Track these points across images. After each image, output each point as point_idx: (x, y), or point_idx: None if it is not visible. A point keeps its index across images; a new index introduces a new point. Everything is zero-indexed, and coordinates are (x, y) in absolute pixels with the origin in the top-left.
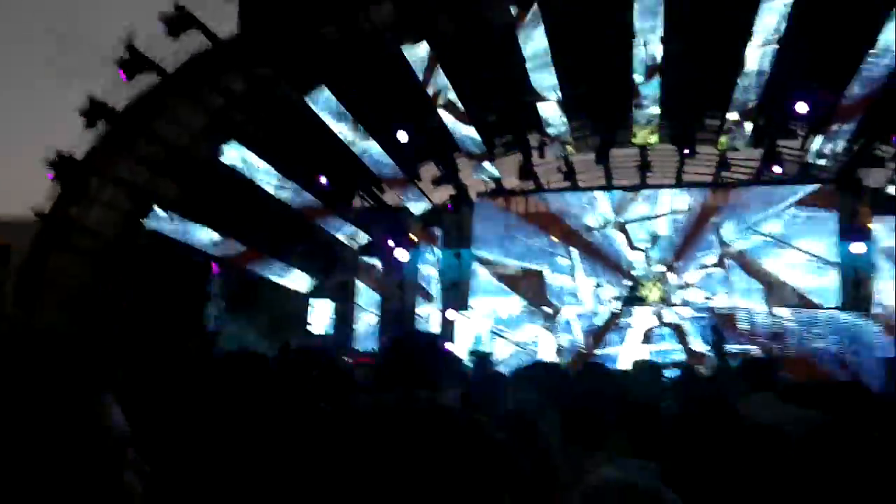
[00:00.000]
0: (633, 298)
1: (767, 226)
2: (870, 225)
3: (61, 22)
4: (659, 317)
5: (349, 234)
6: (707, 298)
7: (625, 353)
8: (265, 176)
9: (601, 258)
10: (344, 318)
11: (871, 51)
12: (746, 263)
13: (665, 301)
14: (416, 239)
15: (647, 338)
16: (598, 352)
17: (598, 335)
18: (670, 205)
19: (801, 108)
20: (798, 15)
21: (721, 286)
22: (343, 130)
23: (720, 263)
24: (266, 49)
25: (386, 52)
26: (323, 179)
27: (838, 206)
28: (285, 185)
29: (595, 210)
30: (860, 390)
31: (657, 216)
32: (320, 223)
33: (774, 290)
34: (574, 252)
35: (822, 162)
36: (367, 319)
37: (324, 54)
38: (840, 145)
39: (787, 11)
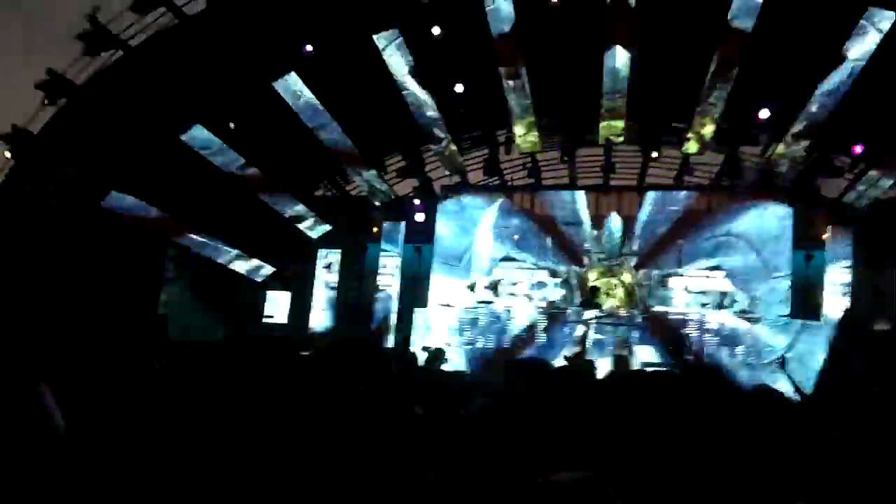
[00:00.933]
0: (591, 302)
1: (724, 231)
2: (824, 235)
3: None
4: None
5: (309, 224)
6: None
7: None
8: (226, 159)
9: (564, 257)
10: (300, 309)
11: (834, 64)
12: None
13: (626, 305)
14: (377, 231)
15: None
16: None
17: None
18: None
19: (763, 114)
20: (764, 25)
21: (677, 292)
22: (309, 117)
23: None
24: (234, 29)
25: (356, 39)
26: (286, 166)
27: (794, 214)
28: (247, 170)
29: (564, 209)
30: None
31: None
32: (281, 211)
33: (726, 297)
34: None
35: (781, 170)
36: (322, 311)
37: (293, 39)
38: (799, 154)
39: (753, 22)
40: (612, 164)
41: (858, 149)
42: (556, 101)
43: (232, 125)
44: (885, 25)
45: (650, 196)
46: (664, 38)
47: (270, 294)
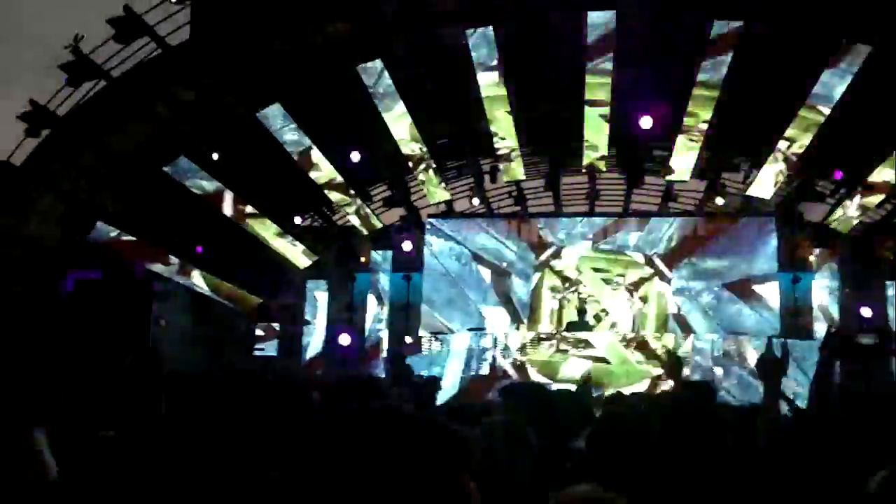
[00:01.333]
0: (582, 325)
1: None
2: (809, 257)
3: (4, 22)
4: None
5: (295, 255)
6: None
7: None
8: (210, 190)
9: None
10: (289, 340)
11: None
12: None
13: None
14: (365, 260)
15: None
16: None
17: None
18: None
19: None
20: (744, 52)
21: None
22: (293, 148)
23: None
24: (217, 60)
25: (339, 69)
26: (272, 198)
27: (778, 238)
28: (233, 201)
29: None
30: None
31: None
32: (267, 242)
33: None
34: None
35: (764, 196)
36: (315, 343)
37: (276, 68)
38: (781, 180)
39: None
40: (596, 191)
41: (839, 174)
42: (540, 130)
43: (216, 156)
44: (859, 60)
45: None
46: (646, 64)
47: (259, 326)
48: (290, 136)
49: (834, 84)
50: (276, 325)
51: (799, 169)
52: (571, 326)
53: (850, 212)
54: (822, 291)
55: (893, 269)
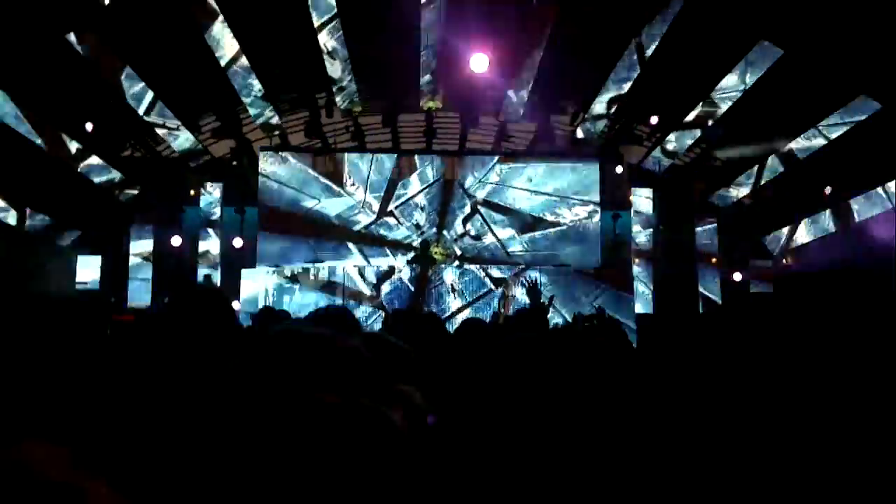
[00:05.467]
0: (424, 258)
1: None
2: (629, 196)
3: None
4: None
5: (120, 186)
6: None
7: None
8: (17, 120)
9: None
10: (113, 274)
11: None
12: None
13: (449, 258)
14: (194, 193)
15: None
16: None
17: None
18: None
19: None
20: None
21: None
22: (114, 74)
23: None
24: None
25: None
26: (89, 126)
27: (600, 179)
28: (43, 129)
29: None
30: None
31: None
32: (86, 173)
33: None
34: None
35: (589, 137)
36: (140, 276)
37: None
38: (603, 123)
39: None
40: (433, 129)
41: (654, 119)
42: (376, 67)
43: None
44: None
45: (469, 160)
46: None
47: (82, 259)
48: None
49: (654, 33)
50: (98, 259)
51: (620, 112)
52: (414, 260)
53: (664, 154)
54: (639, 228)
55: (701, 207)
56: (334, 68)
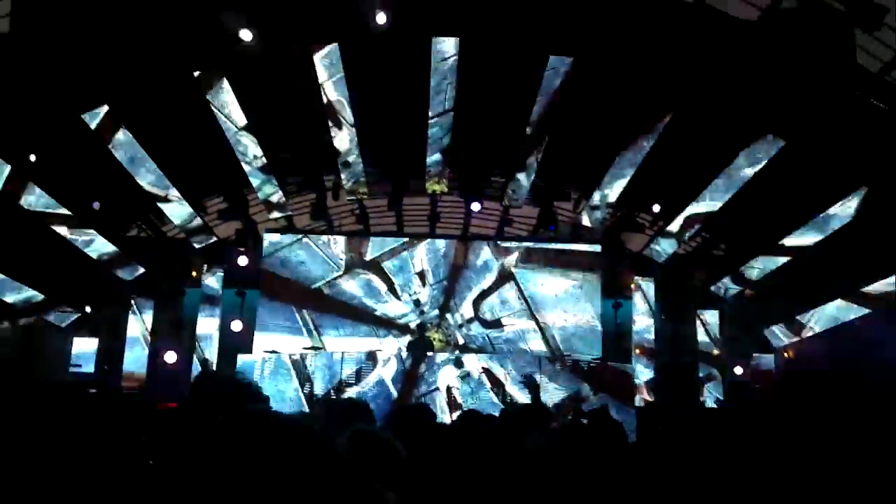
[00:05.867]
0: (420, 344)
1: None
2: (631, 285)
3: None
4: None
5: (121, 267)
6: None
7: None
8: (29, 196)
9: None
10: (110, 357)
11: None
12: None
13: (448, 343)
14: (196, 275)
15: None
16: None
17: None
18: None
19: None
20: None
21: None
22: (122, 154)
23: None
24: (40, 54)
25: (176, 75)
26: (96, 205)
27: (603, 267)
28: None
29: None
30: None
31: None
32: (88, 253)
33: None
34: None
35: (591, 225)
36: (136, 359)
37: (107, 69)
38: (605, 211)
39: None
40: (436, 213)
41: (657, 207)
42: (383, 150)
43: (33, 157)
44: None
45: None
46: (483, 96)
47: (78, 342)
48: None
49: (656, 124)
50: (95, 340)
51: (622, 201)
52: (412, 346)
53: (666, 243)
54: (641, 317)
55: (703, 297)
56: (343, 149)
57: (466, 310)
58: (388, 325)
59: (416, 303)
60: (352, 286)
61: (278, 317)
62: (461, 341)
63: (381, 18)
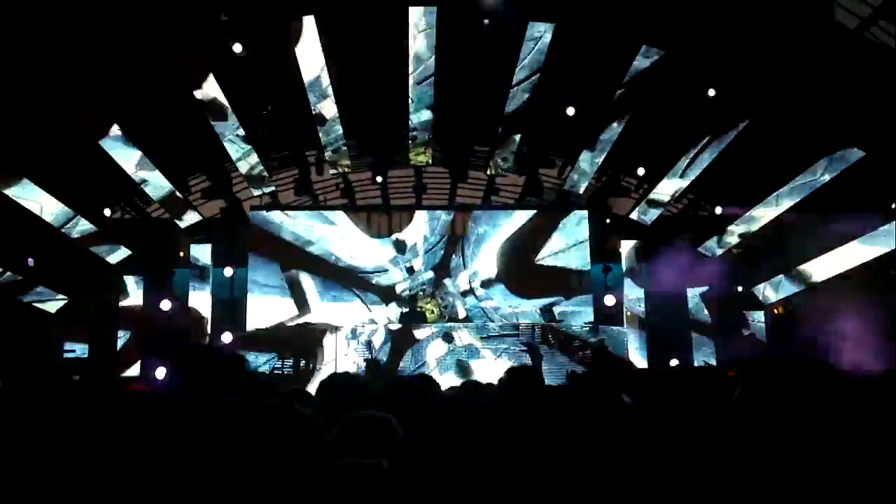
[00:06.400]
0: (413, 314)
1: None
2: (618, 248)
3: None
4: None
5: (107, 250)
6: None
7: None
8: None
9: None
10: (104, 341)
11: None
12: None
13: (441, 314)
14: (183, 255)
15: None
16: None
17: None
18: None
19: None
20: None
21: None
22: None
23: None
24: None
25: (157, 54)
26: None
27: (589, 231)
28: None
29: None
30: None
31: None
32: (73, 236)
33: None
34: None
35: (577, 190)
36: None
37: (81, 50)
38: (591, 176)
39: (542, 57)
40: (423, 184)
41: (641, 170)
42: (365, 123)
43: None
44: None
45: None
46: (465, 67)
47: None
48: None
49: (639, 85)
50: (86, 325)
51: (607, 165)
52: (404, 317)
53: (652, 206)
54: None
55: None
56: (324, 125)
57: (462, 281)
58: (381, 293)
59: (410, 271)
60: (343, 251)
61: (268, 281)
62: (461, 313)
63: None
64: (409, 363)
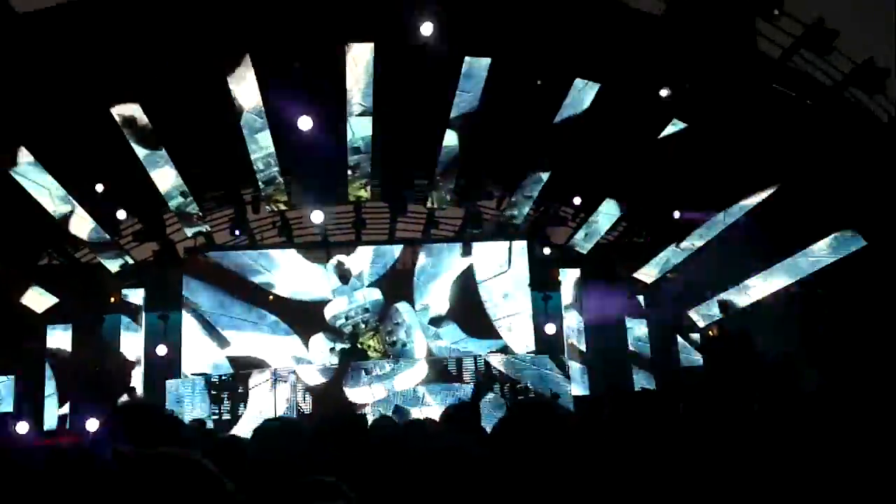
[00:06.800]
0: (353, 351)
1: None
2: (558, 277)
3: None
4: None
5: (33, 297)
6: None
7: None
8: None
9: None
10: (28, 394)
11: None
12: (455, 313)
13: (384, 352)
14: (114, 300)
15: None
16: None
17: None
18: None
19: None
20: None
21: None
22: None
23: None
24: None
25: (85, 96)
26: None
27: (528, 260)
28: None
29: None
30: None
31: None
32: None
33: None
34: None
35: (515, 221)
36: (56, 394)
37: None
38: (528, 206)
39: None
40: (362, 219)
41: (577, 200)
42: (304, 160)
43: None
44: (589, 96)
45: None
46: (402, 102)
47: None
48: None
49: (572, 118)
50: (10, 377)
51: (544, 195)
52: (343, 354)
53: (589, 234)
54: (570, 309)
55: (630, 286)
56: (260, 163)
57: (408, 316)
58: (321, 327)
59: (353, 301)
60: (283, 281)
61: (204, 322)
62: (406, 350)
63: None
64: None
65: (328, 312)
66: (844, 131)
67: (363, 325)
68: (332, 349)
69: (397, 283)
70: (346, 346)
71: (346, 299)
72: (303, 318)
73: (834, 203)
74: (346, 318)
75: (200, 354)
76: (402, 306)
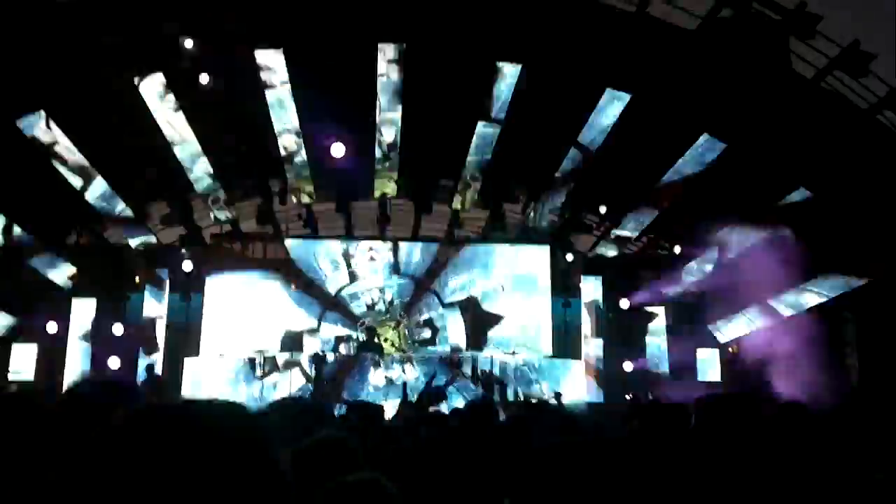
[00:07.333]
0: (369, 344)
1: (490, 280)
2: (579, 284)
3: None
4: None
5: (62, 273)
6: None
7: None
8: None
9: (335, 305)
10: (51, 364)
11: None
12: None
13: (401, 347)
14: (139, 280)
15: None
16: None
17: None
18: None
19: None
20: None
21: (447, 334)
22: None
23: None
24: None
25: (118, 82)
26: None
27: (550, 266)
28: None
29: (329, 257)
30: None
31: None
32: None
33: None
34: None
35: (542, 225)
36: (77, 366)
37: (45, 76)
38: (554, 212)
39: (509, 95)
40: (386, 216)
41: (603, 208)
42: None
43: None
44: (618, 108)
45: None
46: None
47: (17, 348)
48: (59, 147)
49: (598, 127)
50: (35, 347)
51: (570, 202)
52: (361, 346)
53: (613, 243)
54: (589, 316)
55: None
56: (289, 154)
57: (434, 313)
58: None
59: (379, 295)
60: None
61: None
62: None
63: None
64: (357, 391)
65: (350, 293)
66: (878, 153)
67: (386, 316)
68: (348, 338)
69: (425, 280)
70: (365, 338)
71: (372, 287)
72: (323, 304)
73: (866, 223)
74: (368, 308)
75: (220, 335)
76: (430, 302)
